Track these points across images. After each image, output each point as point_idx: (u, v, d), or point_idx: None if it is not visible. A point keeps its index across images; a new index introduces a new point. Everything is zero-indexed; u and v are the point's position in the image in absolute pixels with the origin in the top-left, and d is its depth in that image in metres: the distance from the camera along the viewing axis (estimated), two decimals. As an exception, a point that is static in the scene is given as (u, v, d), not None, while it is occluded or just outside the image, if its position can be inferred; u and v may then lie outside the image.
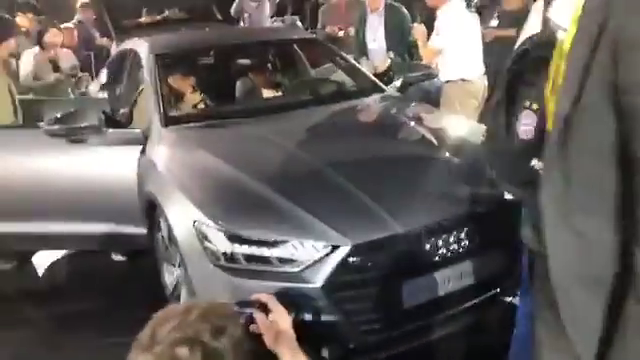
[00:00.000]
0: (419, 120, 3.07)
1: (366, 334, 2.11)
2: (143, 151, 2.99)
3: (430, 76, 3.96)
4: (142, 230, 3.08)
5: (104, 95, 4.50)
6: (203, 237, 2.21)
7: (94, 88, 4.92)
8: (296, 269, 2.08)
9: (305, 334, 1.89)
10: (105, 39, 7.09)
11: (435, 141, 2.72)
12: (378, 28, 4.66)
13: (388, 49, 4.57)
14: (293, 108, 3.28)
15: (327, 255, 2.07)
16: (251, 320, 1.42)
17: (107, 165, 3.07)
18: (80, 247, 3.47)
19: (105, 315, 3.03)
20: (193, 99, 3.74)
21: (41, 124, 3.03)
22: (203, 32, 4.42)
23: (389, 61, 4.65)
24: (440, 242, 2.17)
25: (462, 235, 2.22)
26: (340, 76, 3.93)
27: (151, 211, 2.84)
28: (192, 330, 1.06)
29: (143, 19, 6.49)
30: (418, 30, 4.16)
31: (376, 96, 3.51)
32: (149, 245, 3.10)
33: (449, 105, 3.95)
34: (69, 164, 3.09)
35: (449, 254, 2.19)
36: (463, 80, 3.96)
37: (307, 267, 2.08)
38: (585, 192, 0.86)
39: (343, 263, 2.06)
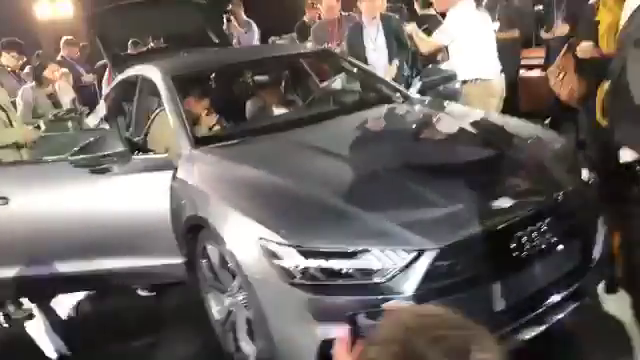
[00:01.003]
0: (463, 117, 2.98)
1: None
2: (174, 176, 2.81)
3: (448, 79, 3.90)
4: (176, 260, 2.88)
5: (106, 127, 4.31)
6: (271, 255, 2.04)
7: (92, 121, 4.72)
8: (381, 279, 1.93)
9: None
10: (91, 75, 6.91)
11: (490, 135, 2.63)
12: (377, 37, 4.60)
13: (391, 58, 4.50)
14: (323, 119, 3.15)
15: (413, 261, 1.93)
16: None
17: (135, 194, 2.88)
18: (109, 285, 3.23)
19: (161, 354, 2.83)
20: (209, 121, 3.59)
21: (64, 156, 2.83)
22: (211, 52, 4.28)
23: (395, 69, 4.60)
24: (525, 237, 2.05)
25: (545, 227, 2.10)
26: (358, 85, 3.84)
27: (191, 238, 2.66)
28: None
29: (131, 50, 6.34)
30: (409, 26, 4.22)
31: (404, 101, 3.41)
32: (185, 276, 2.91)
33: (470, 106, 3.90)
34: (94, 196, 2.89)
35: (535, 248, 2.07)
36: (481, 80, 3.93)
37: (393, 276, 1.92)
38: None
39: (431, 268, 1.92)
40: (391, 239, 1.96)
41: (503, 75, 4.03)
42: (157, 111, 3.55)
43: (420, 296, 1.89)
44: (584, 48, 2.61)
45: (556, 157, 2.52)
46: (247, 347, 2.42)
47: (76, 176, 2.87)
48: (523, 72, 6.16)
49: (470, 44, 3.90)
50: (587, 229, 2.29)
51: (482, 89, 3.91)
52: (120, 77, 4.16)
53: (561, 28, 5.10)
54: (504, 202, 2.13)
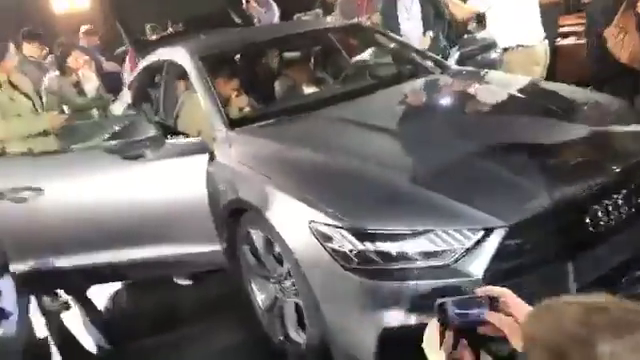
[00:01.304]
0: (511, 84, 2.78)
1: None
2: (211, 159, 2.68)
3: (487, 47, 3.68)
4: (215, 247, 2.77)
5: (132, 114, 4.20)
6: (324, 238, 1.90)
7: (117, 109, 4.62)
8: (447, 262, 1.78)
9: (469, 337, 1.62)
10: (112, 63, 6.81)
11: (546, 101, 2.44)
12: (412, 6, 4.36)
13: (425, 29, 4.28)
14: (360, 95, 2.97)
15: (481, 241, 1.77)
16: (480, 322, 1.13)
17: (170, 179, 2.75)
18: (145, 275, 3.13)
19: (203, 345, 2.73)
20: (239, 103, 3.44)
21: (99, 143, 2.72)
22: (235, 32, 4.11)
23: (429, 40, 4.38)
24: (600, 210, 1.88)
25: (620, 199, 1.92)
26: (392, 58, 3.65)
27: (232, 223, 2.53)
28: None
29: (150, 35, 6.22)
30: None
31: (442, 72, 3.22)
32: (225, 263, 2.79)
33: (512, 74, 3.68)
34: (128, 183, 2.78)
35: (611, 222, 1.89)
36: (523, 46, 3.70)
37: (460, 258, 1.77)
38: None
39: (501, 248, 1.76)
40: (455, 218, 1.80)
41: (547, 41, 3.80)
42: (186, 93, 3.42)
43: (490, 278, 1.73)
44: None
45: (620, 121, 2.33)
46: (296, 335, 2.30)
47: (109, 164, 2.76)
48: (558, 40, 5.88)
49: (509, 9, 3.67)
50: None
51: (525, 56, 3.69)
52: (144, 63, 4.04)
53: None
54: (575, 173, 1.96)
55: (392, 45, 3.62)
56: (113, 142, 2.64)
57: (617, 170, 1.97)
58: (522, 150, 2.06)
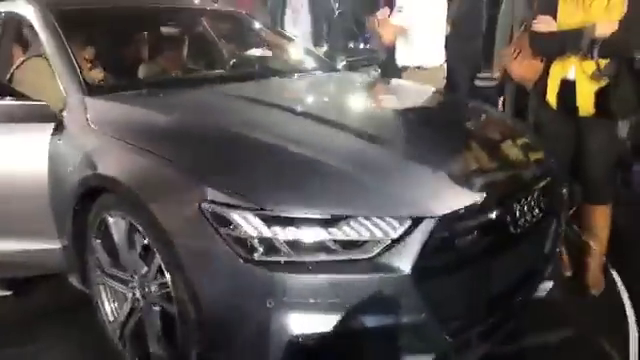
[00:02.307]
0: (412, 89, 2.67)
1: (451, 335, 1.59)
2: (56, 130, 2.11)
3: (372, 60, 3.60)
4: (51, 244, 2.17)
5: None
6: (220, 222, 1.49)
7: None
8: (369, 254, 1.49)
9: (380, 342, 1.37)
10: None
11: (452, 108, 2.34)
12: (300, 10, 4.11)
13: (316, 38, 4.06)
14: (248, 78, 2.64)
15: (408, 232, 1.51)
16: None
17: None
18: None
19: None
20: (94, 75, 2.86)
21: None
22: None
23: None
24: (518, 211, 1.76)
25: (533, 201, 1.83)
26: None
27: (81, 210, 1.98)
28: None
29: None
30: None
31: (334, 72, 3.03)
32: (62, 265, 2.20)
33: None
34: None
35: (526, 224, 1.78)
36: (420, 68, 3.48)
37: (384, 250, 1.49)
38: None
39: (430, 241, 1.52)
40: (381, 205, 1.53)
41: (445, 65, 3.67)
42: (26, 56, 2.76)
43: (417, 275, 1.48)
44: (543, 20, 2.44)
45: (522, 134, 2.32)
46: (162, 353, 1.81)
47: None
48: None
49: (420, 27, 3.38)
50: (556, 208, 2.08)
51: (421, 78, 3.34)
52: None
53: None
54: (497, 174, 1.84)
55: (278, 40, 3.35)
56: None
57: (530, 174, 1.91)
58: (440, 148, 1.89)
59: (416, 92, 2.78)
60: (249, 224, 1.48)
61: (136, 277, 1.86)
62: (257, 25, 3.43)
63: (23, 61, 2.74)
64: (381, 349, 1.51)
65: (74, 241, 2.06)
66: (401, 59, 3.48)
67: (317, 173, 1.59)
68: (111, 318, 2.02)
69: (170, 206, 1.60)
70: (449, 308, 1.58)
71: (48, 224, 2.16)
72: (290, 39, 3.39)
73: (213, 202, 1.51)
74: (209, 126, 1.84)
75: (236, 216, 1.48)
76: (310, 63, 3.08)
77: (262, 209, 1.48)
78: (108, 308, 2.02)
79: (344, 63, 3.40)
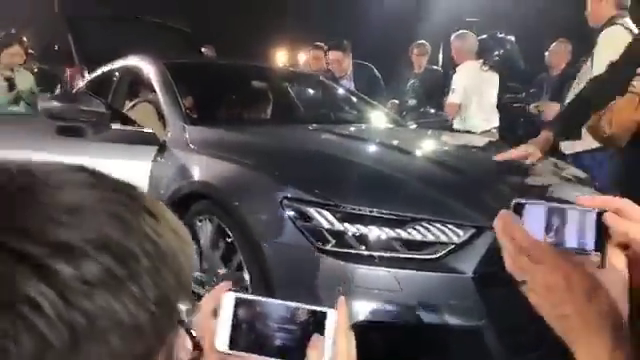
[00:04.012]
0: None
1: (507, 346, 1.61)
2: (160, 153, 2.42)
3: (442, 123, 3.81)
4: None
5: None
6: (298, 217, 1.66)
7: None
8: (434, 255, 1.59)
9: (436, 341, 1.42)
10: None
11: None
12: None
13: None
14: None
15: (472, 239, 1.61)
16: None
17: (110, 166, 2.40)
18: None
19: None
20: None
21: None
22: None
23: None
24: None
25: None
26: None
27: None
28: None
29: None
30: None
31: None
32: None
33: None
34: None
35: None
36: (469, 132, 3.79)
37: (448, 253, 1.59)
38: None
39: (491, 249, 1.61)
40: (447, 212, 1.66)
41: (497, 131, 3.95)
42: (138, 100, 3.19)
43: (480, 280, 1.56)
44: None
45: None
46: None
47: (41, 136, 2.40)
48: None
49: (471, 102, 3.82)
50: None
51: None
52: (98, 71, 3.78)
53: None
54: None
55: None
56: (54, 104, 2.31)
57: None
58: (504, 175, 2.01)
59: (478, 139, 2.92)
60: (323, 218, 1.64)
61: (215, 279, 2.02)
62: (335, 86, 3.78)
63: (134, 105, 3.18)
64: (437, 348, 1.56)
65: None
66: (456, 124, 3.83)
67: (390, 183, 1.76)
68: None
69: (255, 204, 1.80)
70: (509, 318, 1.61)
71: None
72: (369, 102, 3.69)
73: (292, 199, 1.69)
74: (292, 144, 2.07)
75: (312, 210, 1.65)
76: (383, 118, 3.32)
77: (335, 205, 1.64)
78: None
79: (415, 126, 3.61)
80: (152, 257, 0.41)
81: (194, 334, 0.53)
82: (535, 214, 0.60)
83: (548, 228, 0.59)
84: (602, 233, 0.57)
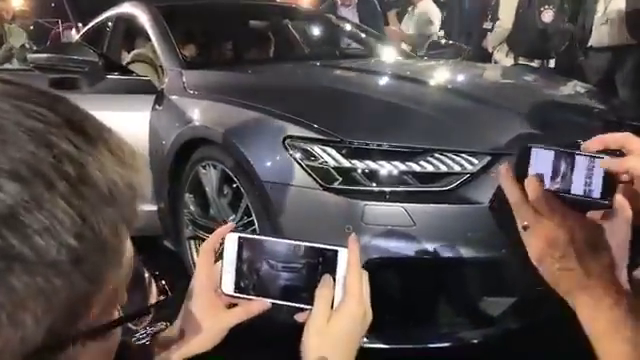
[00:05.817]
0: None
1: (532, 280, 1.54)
2: (158, 99, 2.32)
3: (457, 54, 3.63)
4: (150, 207, 2.35)
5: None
6: (303, 156, 1.58)
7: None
8: (448, 186, 1.50)
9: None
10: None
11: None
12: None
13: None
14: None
15: (487, 167, 1.52)
16: None
17: (107, 118, 2.33)
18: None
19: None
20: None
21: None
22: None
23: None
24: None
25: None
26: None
27: (176, 168, 2.14)
28: None
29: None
30: None
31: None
32: (158, 228, 2.37)
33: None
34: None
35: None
36: None
37: (463, 183, 1.50)
38: None
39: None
40: (460, 141, 1.55)
41: None
42: (135, 52, 3.06)
43: (498, 208, 1.47)
44: None
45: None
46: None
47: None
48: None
49: None
50: None
51: None
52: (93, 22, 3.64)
53: None
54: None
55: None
56: (43, 55, 2.21)
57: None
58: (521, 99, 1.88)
59: (495, 67, 2.78)
60: (329, 155, 1.55)
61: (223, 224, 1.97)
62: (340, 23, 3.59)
63: (132, 61, 3.05)
64: (456, 284, 1.50)
65: (169, 202, 2.23)
66: None
67: (399, 114, 1.65)
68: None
69: (258, 146, 1.71)
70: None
71: (147, 187, 2.35)
72: (377, 35, 3.51)
73: (295, 137, 1.60)
74: (293, 81, 1.95)
75: (316, 148, 1.56)
76: (392, 51, 3.16)
77: (341, 141, 1.55)
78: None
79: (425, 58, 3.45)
80: (73, 181, 0.34)
81: (160, 278, 0.47)
82: (543, 159, 0.59)
83: (555, 173, 0.58)
84: (608, 180, 0.56)
